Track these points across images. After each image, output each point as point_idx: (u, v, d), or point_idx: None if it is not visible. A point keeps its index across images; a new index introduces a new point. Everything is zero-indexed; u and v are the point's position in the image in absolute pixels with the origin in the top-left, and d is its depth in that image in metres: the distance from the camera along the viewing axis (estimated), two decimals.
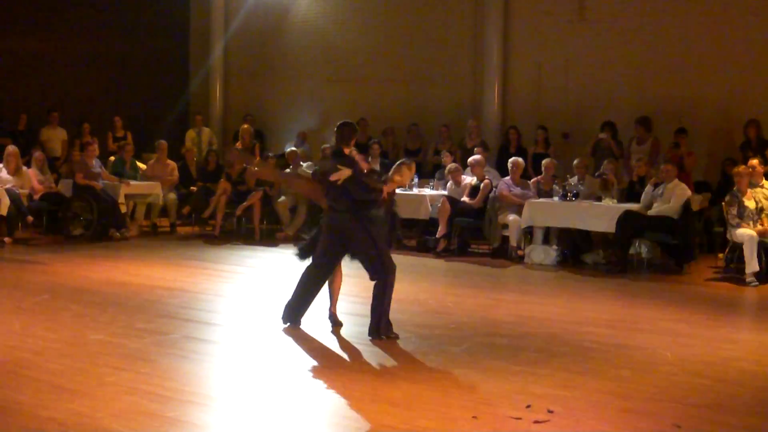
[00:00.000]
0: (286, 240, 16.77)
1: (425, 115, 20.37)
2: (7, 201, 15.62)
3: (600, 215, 14.40)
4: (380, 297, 9.36)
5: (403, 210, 16.27)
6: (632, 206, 14.25)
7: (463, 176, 16.12)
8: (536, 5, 19.46)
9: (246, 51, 23.77)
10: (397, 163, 10.33)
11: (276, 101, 23.13)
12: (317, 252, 9.70)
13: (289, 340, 9.31)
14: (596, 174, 15.57)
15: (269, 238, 17.33)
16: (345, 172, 9.21)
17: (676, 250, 14.35)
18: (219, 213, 17.34)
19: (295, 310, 9.77)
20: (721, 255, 14.51)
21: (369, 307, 9.80)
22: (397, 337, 9.27)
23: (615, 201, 14.61)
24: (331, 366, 8.32)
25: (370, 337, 9.22)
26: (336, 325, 9.90)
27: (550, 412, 6.84)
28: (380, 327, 9.25)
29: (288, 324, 9.72)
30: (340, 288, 10.24)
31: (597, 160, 16.41)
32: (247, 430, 6.50)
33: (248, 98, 23.44)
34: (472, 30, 20.23)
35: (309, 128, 21.89)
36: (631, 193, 15.03)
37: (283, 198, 17.48)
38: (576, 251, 15.00)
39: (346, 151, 9.55)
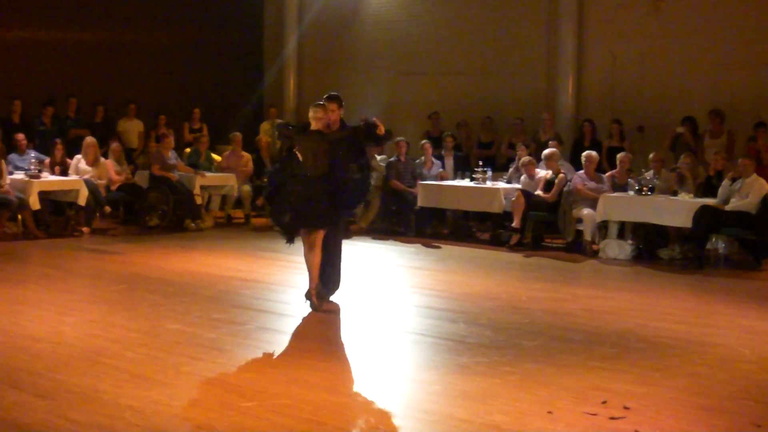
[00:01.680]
0: (359, 232, 16.82)
1: (499, 108, 20.28)
2: (85, 191, 15.83)
3: (676, 210, 14.25)
4: None
5: (476, 203, 16.38)
6: (709, 201, 14.08)
7: (537, 169, 16.04)
8: None
9: (320, 43, 23.83)
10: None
11: (349, 93, 23.00)
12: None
13: (361, 332, 9.36)
14: (672, 168, 15.41)
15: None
16: None
17: (754, 246, 14.15)
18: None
19: None
20: None
21: (442, 300, 9.84)
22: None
23: (691, 195, 14.43)
24: (403, 360, 8.33)
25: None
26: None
27: (626, 408, 6.80)
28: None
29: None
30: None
31: (676, 154, 16.22)
32: (318, 421, 6.53)
33: (322, 90, 23.09)
34: (546, 22, 20.10)
35: (382, 121, 21.88)
36: (708, 188, 14.82)
37: None
38: (651, 246, 14.86)
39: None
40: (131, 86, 21.14)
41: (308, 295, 10.25)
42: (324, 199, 10.07)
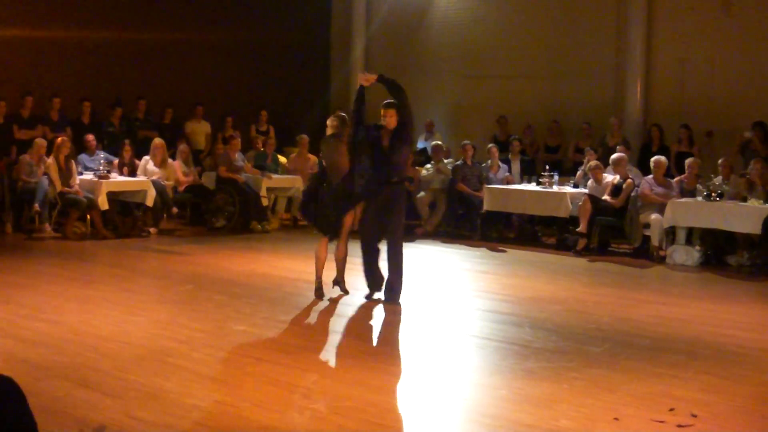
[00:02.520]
0: (425, 235, 16.82)
1: (566, 112, 20.20)
2: (153, 192, 16.00)
3: (745, 216, 14.08)
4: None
5: (542, 207, 16.32)
6: None
7: (605, 174, 15.93)
8: (680, 1, 19.12)
9: (386, 47, 23.86)
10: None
11: (416, 97, 22.90)
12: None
13: (425, 336, 9.34)
14: (741, 174, 15.23)
15: (408, 233, 17.34)
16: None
17: None
18: (358, 207, 17.37)
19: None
20: None
21: (507, 305, 9.82)
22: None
23: (761, 201, 14.25)
24: (468, 364, 8.30)
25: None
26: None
27: (694, 416, 6.73)
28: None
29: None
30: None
31: (745, 159, 16.04)
32: (386, 426, 6.53)
33: (388, 94, 23.44)
34: (614, 25, 19.99)
35: (448, 124, 21.89)
36: None
37: (422, 194, 17.52)
38: (719, 252, 14.71)
39: None
40: (199, 88, 21.30)
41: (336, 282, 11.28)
42: (338, 205, 10.60)
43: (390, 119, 10.88)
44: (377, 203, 10.74)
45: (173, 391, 7.00)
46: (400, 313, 10.30)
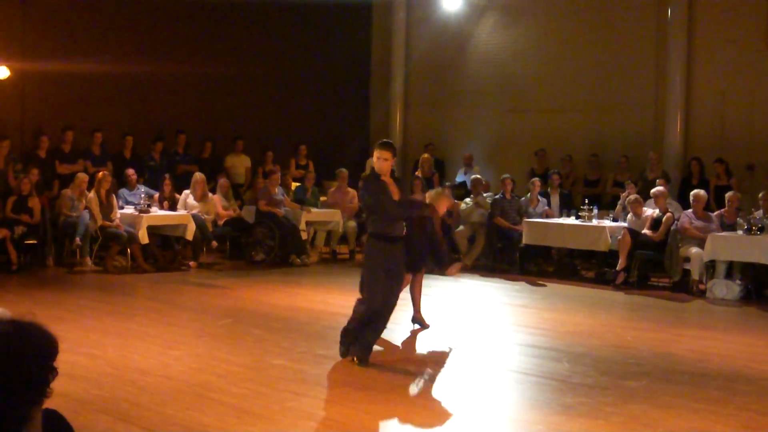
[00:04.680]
0: (464, 269, 16.81)
1: (605, 146, 20.19)
2: (193, 226, 16.11)
3: None
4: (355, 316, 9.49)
5: (581, 241, 16.28)
6: None
7: (644, 208, 15.88)
8: (721, 33, 19.08)
9: (426, 81, 23.94)
10: (437, 190, 11.56)
11: (455, 131, 23.23)
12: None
13: (464, 371, 9.32)
14: None
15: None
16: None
17: None
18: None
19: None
20: None
21: (546, 339, 9.81)
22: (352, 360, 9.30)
23: None
24: (506, 399, 8.28)
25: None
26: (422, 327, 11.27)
27: None
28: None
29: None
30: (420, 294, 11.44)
31: None
32: None
33: (428, 128, 23.60)
34: (654, 59, 19.96)
35: (487, 158, 21.91)
36: None
37: (461, 227, 17.53)
38: (760, 286, 14.62)
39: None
40: (239, 122, 21.44)
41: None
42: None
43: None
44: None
45: (211, 426, 7.04)
46: (438, 348, 10.30)
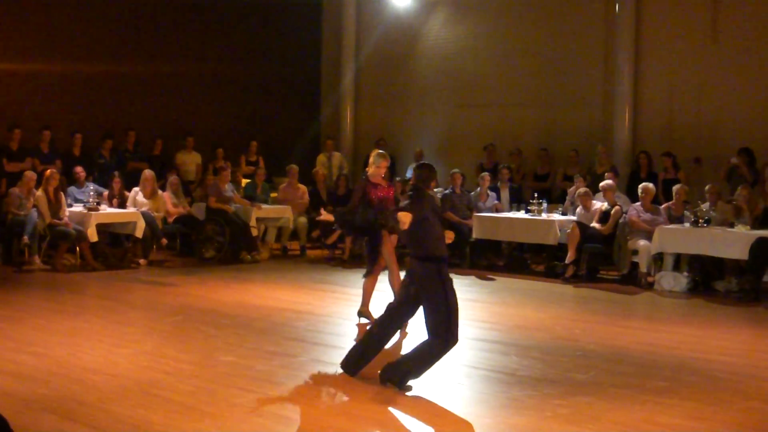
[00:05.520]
0: None
1: (554, 140, 20.29)
2: (142, 224, 16.03)
3: (732, 242, 14.12)
4: (428, 357, 8.26)
5: (531, 235, 16.37)
6: (766, 233, 13.93)
7: (594, 201, 15.98)
8: (668, 28, 19.21)
9: (376, 76, 23.95)
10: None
11: (405, 126, 23.26)
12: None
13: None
14: (729, 200, 15.29)
15: (399, 262, 17.34)
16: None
17: None
18: (348, 237, 17.46)
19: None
20: None
21: (495, 333, 9.87)
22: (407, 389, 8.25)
23: (748, 228, 14.29)
24: (454, 393, 8.31)
25: (382, 377, 8.37)
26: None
27: None
28: (398, 376, 8.25)
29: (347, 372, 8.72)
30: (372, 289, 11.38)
31: (732, 186, 16.09)
32: None
33: (378, 123, 23.62)
34: (602, 54, 20.08)
35: (437, 153, 21.94)
36: (765, 220, 14.65)
37: None
38: (707, 278, 14.75)
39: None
40: (189, 119, 21.38)
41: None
42: None
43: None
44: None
45: (158, 423, 7.03)
46: (388, 343, 10.32)
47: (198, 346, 9.87)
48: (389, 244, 11.12)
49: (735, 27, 18.43)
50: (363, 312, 11.38)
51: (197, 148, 20.27)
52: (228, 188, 17.58)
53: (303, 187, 18.83)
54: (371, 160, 11.20)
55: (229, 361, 9.14)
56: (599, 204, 15.87)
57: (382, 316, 8.82)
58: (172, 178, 17.95)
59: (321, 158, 21.54)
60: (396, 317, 8.79)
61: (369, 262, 11.25)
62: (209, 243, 17.34)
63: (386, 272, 11.29)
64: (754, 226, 14.37)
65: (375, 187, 11.02)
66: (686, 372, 9.05)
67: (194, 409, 7.45)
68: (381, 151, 11.58)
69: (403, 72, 23.40)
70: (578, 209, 16.09)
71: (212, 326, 10.95)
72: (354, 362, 8.69)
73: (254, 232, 17.50)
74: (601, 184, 16.11)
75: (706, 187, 15.60)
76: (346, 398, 7.96)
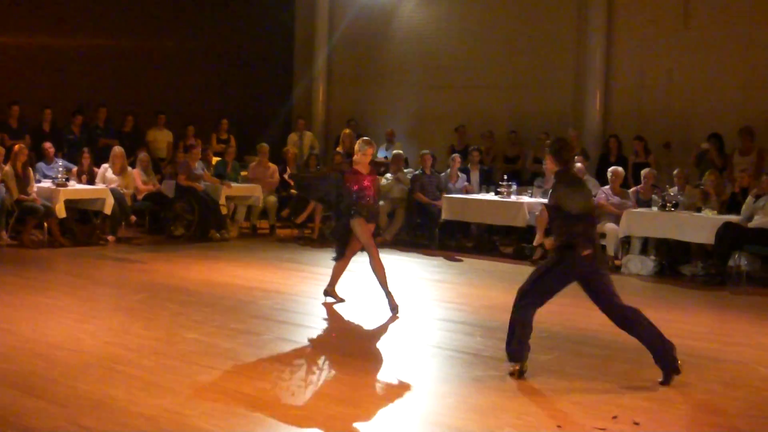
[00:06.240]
0: (384, 244, 16.83)
1: (525, 123, 20.34)
2: (111, 201, 15.95)
3: (699, 226, 14.19)
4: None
5: (500, 217, 16.40)
6: (732, 218, 14.02)
7: None
8: (640, 13, 19.27)
9: (349, 56, 23.93)
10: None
11: (377, 107, 23.26)
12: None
13: (379, 345, 9.39)
14: (697, 184, 15.37)
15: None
16: None
17: None
18: (317, 216, 17.47)
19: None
20: None
21: (461, 314, 9.93)
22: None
23: (715, 212, 14.37)
24: (419, 372, 8.34)
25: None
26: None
27: (636, 424, 6.80)
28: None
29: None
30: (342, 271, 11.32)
31: (701, 170, 16.17)
32: None
33: (350, 103, 23.61)
34: (574, 38, 20.12)
35: (408, 134, 21.95)
36: (732, 205, 14.75)
37: (381, 203, 17.53)
38: (674, 262, 14.83)
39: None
40: (161, 96, 21.31)
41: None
42: None
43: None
44: None
45: (120, 399, 7.02)
46: (355, 322, 10.36)
47: (163, 323, 9.86)
48: (367, 231, 10.95)
49: (706, 12, 18.50)
50: (329, 291, 11.37)
51: (168, 126, 20.18)
52: (198, 166, 17.52)
53: (273, 166, 18.79)
54: (356, 147, 11.11)
55: (193, 339, 9.14)
56: None
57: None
58: (142, 155, 17.88)
59: (292, 137, 21.52)
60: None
61: (337, 247, 11.23)
62: (178, 221, 17.30)
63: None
64: (720, 211, 14.46)
65: (356, 175, 10.88)
66: (648, 354, 9.05)
67: (156, 385, 7.44)
68: (366, 137, 11.42)
69: (376, 52, 23.39)
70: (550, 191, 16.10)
71: (178, 303, 10.95)
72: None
73: (224, 211, 17.47)
74: None
75: (674, 172, 15.68)
76: (310, 376, 7.98)
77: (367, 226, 10.94)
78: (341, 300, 11.31)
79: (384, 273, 10.90)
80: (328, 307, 11.10)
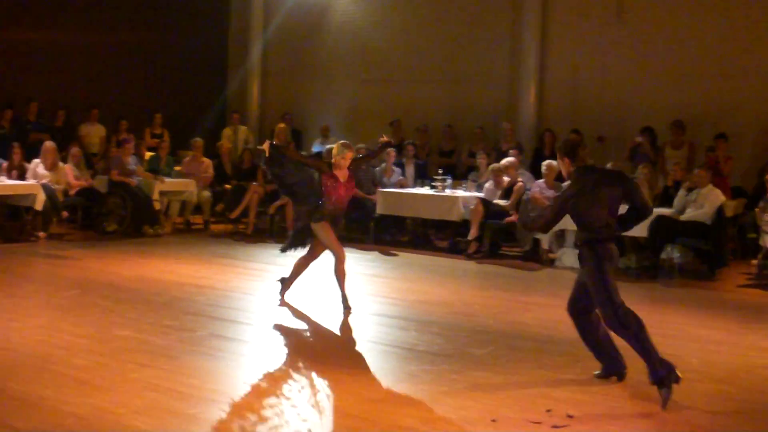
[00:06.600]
0: None
1: (460, 117, 20.37)
2: (42, 196, 15.73)
3: None
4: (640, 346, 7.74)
5: (435, 211, 16.41)
6: (665, 211, 14.14)
7: (505, 178, 16.00)
8: (574, 7, 19.40)
9: (284, 50, 23.84)
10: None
11: (312, 101, 23.19)
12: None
13: (312, 340, 9.35)
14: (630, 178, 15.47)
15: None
16: None
17: (709, 256, 14.25)
18: (251, 211, 17.39)
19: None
20: (754, 261, 14.42)
21: (396, 308, 9.94)
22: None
23: None
24: (351, 366, 8.33)
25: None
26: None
27: (570, 417, 6.83)
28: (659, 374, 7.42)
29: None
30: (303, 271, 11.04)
31: (635, 164, 16.30)
32: (264, 429, 6.52)
33: (285, 97, 23.52)
34: (509, 31, 20.20)
35: (343, 128, 21.90)
36: (665, 198, 14.90)
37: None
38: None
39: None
40: (94, 91, 21.08)
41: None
42: None
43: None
44: None
45: (49, 398, 6.90)
46: (290, 318, 10.29)
47: (95, 321, 9.72)
48: (331, 234, 10.71)
49: (639, 7, 18.68)
50: (285, 283, 11.21)
51: (101, 120, 19.97)
52: (131, 161, 17.36)
53: (207, 161, 18.68)
54: (335, 150, 10.59)
55: (126, 336, 9.03)
56: (506, 179, 15.95)
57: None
58: (74, 150, 17.66)
59: (226, 132, 21.39)
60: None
61: (290, 242, 11.06)
62: (111, 216, 17.11)
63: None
64: (654, 204, 14.53)
65: (334, 181, 10.51)
66: (583, 347, 9.04)
67: (88, 383, 7.33)
68: (345, 141, 10.88)
69: (311, 46, 23.31)
70: (488, 184, 16.15)
71: (110, 300, 10.80)
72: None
73: (157, 206, 17.32)
74: (503, 161, 16.20)
75: (608, 165, 15.74)
76: (243, 371, 7.91)
77: (331, 229, 10.67)
78: (283, 294, 11.14)
79: (344, 278, 10.75)
80: (264, 302, 11.04)
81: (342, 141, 10.85)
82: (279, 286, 11.18)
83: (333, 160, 10.57)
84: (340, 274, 10.70)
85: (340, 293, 10.71)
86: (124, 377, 7.54)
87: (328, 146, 18.20)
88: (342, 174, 10.57)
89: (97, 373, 7.63)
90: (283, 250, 11.14)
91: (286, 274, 11.20)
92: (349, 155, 10.56)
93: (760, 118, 17.48)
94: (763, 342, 10.15)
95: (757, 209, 14.09)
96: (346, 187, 10.68)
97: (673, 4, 18.37)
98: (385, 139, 11.65)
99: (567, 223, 14.62)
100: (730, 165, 16.22)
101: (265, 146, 10.66)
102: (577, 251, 14.55)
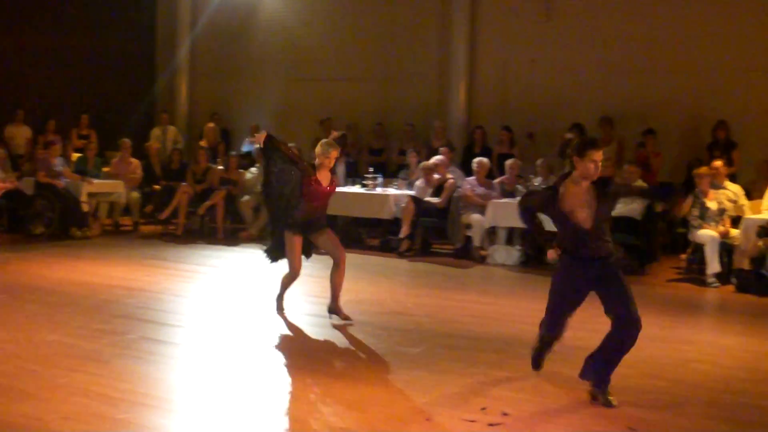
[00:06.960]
0: (249, 239, 16.70)
1: (390, 115, 20.38)
2: None
3: None
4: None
5: (366, 210, 16.38)
6: None
7: (436, 175, 16.00)
8: (503, 5, 19.47)
9: (212, 50, 23.67)
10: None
11: (242, 100, 23.06)
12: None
13: (242, 341, 9.24)
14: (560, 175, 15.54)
15: (232, 237, 17.25)
16: None
17: (639, 251, 14.35)
18: (181, 212, 17.26)
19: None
20: (683, 256, 14.55)
21: (326, 307, 9.92)
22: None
23: None
24: (285, 367, 8.25)
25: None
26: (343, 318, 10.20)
27: (505, 414, 6.81)
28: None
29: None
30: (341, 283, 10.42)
31: (565, 160, 16.34)
32: None
33: (214, 97, 23.36)
34: (438, 29, 20.22)
35: (273, 127, 21.80)
36: None
37: (246, 197, 17.39)
38: (539, 251, 14.96)
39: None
40: (19, 91, 20.79)
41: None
42: None
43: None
44: None
45: None
46: (223, 320, 10.20)
47: (21, 325, 9.54)
48: (297, 247, 10.38)
49: (568, 5, 18.81)
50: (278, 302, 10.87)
51: (27, 121, 19.71)
52: (58, 162, 17.15)
53: (136, 162, 18.50)
54: (318, 150, 10.05)
55: (53, 340, 8.87)
56: (436, 176, 15.96)
57: None
58: None
59: (155, 132, 21.21)
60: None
61: (275, 245, 10.75)
62: (38, 219, 16.86)
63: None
64: None
65: (317, 185, 10.02)
66: (517, 344, 9.14)
67: (14, 390, 7.18)
68: (329, 140, 10.27)
69: (239, 45, 23.17)
70: (419, 182, 16.15)
71: (38, 304, 10.63)
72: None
73: (85, 208, 17.10)
74: (433, 158, 16.21)
75: (538, 162, 15.84)
76: (174, 374, 7.82)
77: (298, 241, 10.33)
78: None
79: (287, 288, 10.65)
80: (195, 304, 10.94)
81: (324, 140, 10.30)
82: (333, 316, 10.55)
83: (316, 161, 10.06)
84: (285, 281, 10.61)
85: (276, 295, 10.68)
86: (52, 383, 7.40)
87: (257, 146, 18.14)
88: (324, 177, 10.08)
89: (23, 379, 7.48)
90: (274, 260, 10.88)
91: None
92: (334, 154, 10.02)
93: (688, 114, 17.67)
94: (692, 335, 10.27)
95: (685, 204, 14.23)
96: (328, 192, 10.21)
97: (601, 2, 18.51)
98: (336, 134, 11.36)
99: (498, 220, 14.79)
100: (659, 160, 16.38)
101: (261, 137, 10.35)
102: (507, 247, 14.73)
